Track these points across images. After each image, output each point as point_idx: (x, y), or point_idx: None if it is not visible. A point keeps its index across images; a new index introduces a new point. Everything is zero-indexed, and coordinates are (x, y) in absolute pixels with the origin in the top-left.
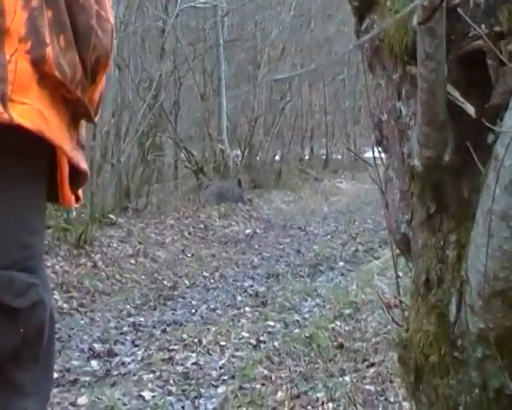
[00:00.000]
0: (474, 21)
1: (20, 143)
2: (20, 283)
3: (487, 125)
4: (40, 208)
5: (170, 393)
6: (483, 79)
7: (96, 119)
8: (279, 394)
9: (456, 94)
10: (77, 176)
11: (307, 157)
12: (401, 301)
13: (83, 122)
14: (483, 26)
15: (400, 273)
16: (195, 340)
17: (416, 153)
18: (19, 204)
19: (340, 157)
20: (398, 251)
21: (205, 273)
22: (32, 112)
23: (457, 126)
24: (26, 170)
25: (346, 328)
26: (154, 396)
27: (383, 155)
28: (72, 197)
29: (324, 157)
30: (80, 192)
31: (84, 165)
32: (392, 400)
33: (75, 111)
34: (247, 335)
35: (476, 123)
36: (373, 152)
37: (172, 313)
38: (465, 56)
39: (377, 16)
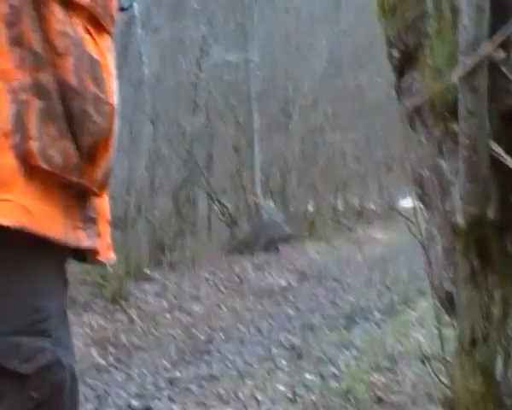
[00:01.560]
0: None
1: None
2: (27, 348)
3: None
4: (52, 271)
5: None
6: None
7: (104, 192)
8: None
9: (500, 150)
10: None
11: (341, 207)
12: (444, 359)
13: (92, 197)
14: None
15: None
16: (232, 394)
17: (459, 209)
18: (26, 271)
19: (373, 207)
20: (440, 308)
21: (240, 326)
22: (15, 209)
23: (500, 182)
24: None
25: (384, 380)
26: None
27: (424, 210)
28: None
29: (358, 207)
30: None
31: (86, 243)
32: None
33: (79, 190)
34: (283, 388)
35: None
36: (414, 208)
37: (208, 367)
38: (507, 112)
39: (417, 73)
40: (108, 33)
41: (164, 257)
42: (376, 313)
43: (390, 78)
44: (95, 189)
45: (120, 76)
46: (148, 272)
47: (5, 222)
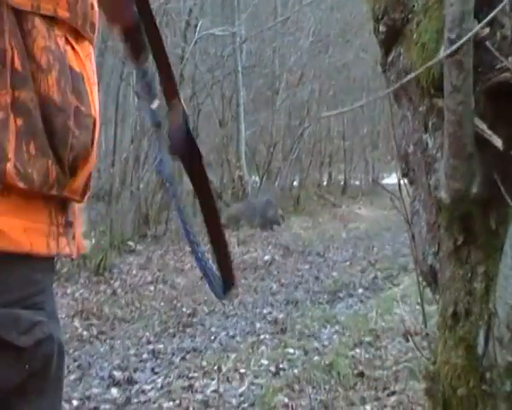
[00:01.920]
0: (502, 53)
1: None
2: (25, 321)
3: None
4: None
5: None
6: (510, 110)
7: (87, 196)
8: None
9: (484, 126)
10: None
11: (325, 183)
12: (427, 334)
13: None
14: (510, 58)
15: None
16: (215, 367)
17: (444, 185)
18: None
19: (358, 183)
20: (424, 283)
21: (224, 300)
22: None
23: (485, 158)
24: None
25: (367, 356)
26: None
27: (408, 185)
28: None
29: (342, 183)
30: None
31: (66, 251)
32: None
33: (60, 199)
34: (266, 362)
35: (503, 155)
36: (398, 183)
37: (192, 341)
38: (492, 88)
39: (403, 48)
40: (89, 40)
41: (148, 230)
42: (360, 290)
43: (376, 55)
44: (76, 198)
45: (106, 48)
46: (132, 244)
47: None
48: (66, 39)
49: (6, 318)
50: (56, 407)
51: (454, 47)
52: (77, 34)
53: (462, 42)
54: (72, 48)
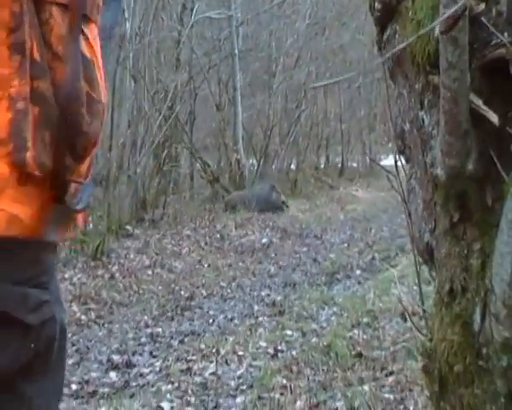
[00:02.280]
0: (497, 29)
1: None
2: (33, 299)
3: (511, 132)
4: None
5: (188, 403)
6: (506, 87)
7: (88, 178)
8: (298, 403)
9: (480, 102)
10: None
11: (323, 165)
12: (424, 311)
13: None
14: (506, 34)
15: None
16: (213, 350)
17: (439, 162)
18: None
19: (355, 165)
20: (420, 260)
21: (222, 283)
22: (5, 219)
23: (480, 135)
24: None
25: (364, 337)
26: (172, 407)
27: (405, 164)
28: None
29: (340, 165)
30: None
31: (71, 234)
32: (411, 408)
33: (65, 183)
34: (264, 344)
35: (499, 131)
36: (395, 161)
37: (190, 324)
38: (488, 65)
39: (399, 26)
40: (95, 23)
41: (146, 214)
42: (357, 271)
43: (372, 37)
44: (81, 181)
45: None
46: (129, 229)
47: None
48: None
49: (16, 295)
50: (59, 387)
51: (449, 22)
52: (85, 19)
53: (456, 17)
54: (83, 33)
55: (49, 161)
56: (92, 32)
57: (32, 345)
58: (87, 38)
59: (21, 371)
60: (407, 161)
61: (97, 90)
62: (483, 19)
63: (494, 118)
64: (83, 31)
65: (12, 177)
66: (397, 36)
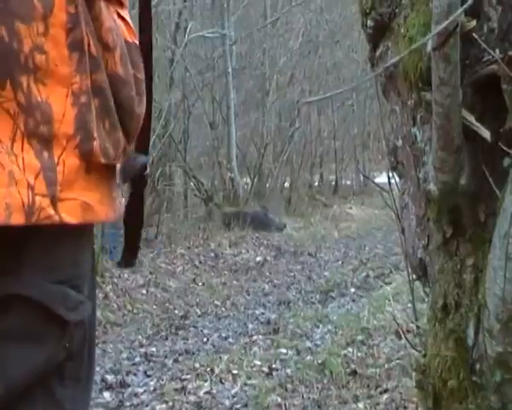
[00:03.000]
0: (489, 46)
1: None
2: (73, 298)
3: (503, 148)
4: (89, 231)
5: None
6: (498, 103)
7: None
8: None
9: (472, 118)
10: None
11: (316, 183)
12: (418, 326)
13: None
14: (497, 50)
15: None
16: (208, 369)
17: (432, 178)
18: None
19: (349, 183)
20: (414, 276)
21: (216, 302)
22: (79, 207)
23: (473, 151)
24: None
25: (359, 354)
26: None
27: (398, 180)
28: None
29: (334, 183)
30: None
31: (120, 211)
32: None
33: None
34: (259, 363)
35: (492, 147)
36: (388, 177)
37: (184, 343)
38: (480, 81)
39: (391, 43)
40: (126, 7)
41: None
42: (352, 289)
43: (365, 55)
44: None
45: None
46: None
47: (73, 221)
48: (118, 14)
49: (57, 293)
50: (89, 393)
51: (441, 39)
52: (120, 5)
53: (448, 33)
54: (123, 19)
55: (111, 147)
56: (126, 16)
57: (67, 344)
58: (127, 23)
59: (55, 373)
60: (400, 176)
61: (140, 70)
62: (475, 35)
63: (486, 134)
64: (122, 16)
65: (81, 167)
66: (389, 53)
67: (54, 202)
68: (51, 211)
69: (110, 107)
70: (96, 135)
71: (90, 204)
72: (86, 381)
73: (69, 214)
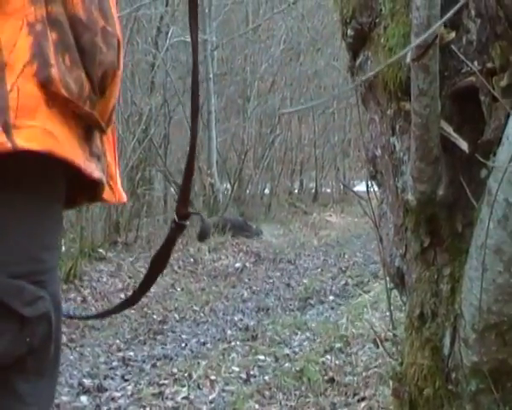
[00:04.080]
0: (467, 58)
1: (32, 164)
2: (29, 293)
3: (480, 159)
4: (55, 224)
5: None
6: (476, 114)
7: (109, 128)
8: None
9: (450, 130)
10: (92, 186)
11: (297, 190)
12: (394, 335)
13: (96, 133)
14: (475, 62)
15: (392, 307)
16: (186, 374)
17: (410, 187)
18: (32, 218)
19: (329, 190)
20: (391, 285)
21: (194, 307)
22: (40, 133)
23: (451, 161)
24: (41, 189)
25: (337, 362)
26: None
27: (377, 189)
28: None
29: (314, 190)
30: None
31: (97, 174)
32: None
33: (87, 124)
34: (237, 369)
35: (469, 158)
36: (367, 186)
37: (162, 348)
38: (458, 92)
39: (371, 52)
40: None
41: (119, 237)
42: (331, 296)
43: (347, 63)
44: (103, 124)
45: None
46: (102, 251)
47: (34, 147)
48: None
49: (11, 287)
50: (53, 390)
51: (420, 50)
52: None
53: (427, 45)
54: None
55: (73, 82)
56: None
57: (28, 339)
58: None
59: (16, 367)
60: (379, 186)
61: (112, 25)
62: (453, 47)
63: (464, 145)
64: None
65: (42, 97)
66: (369, 62)
67: (6, 128)
68: (3, 137)
69: (69, 43)
70: (53, 62)
71: (55, 135)
72: (50, 377)
73: (27, 141)
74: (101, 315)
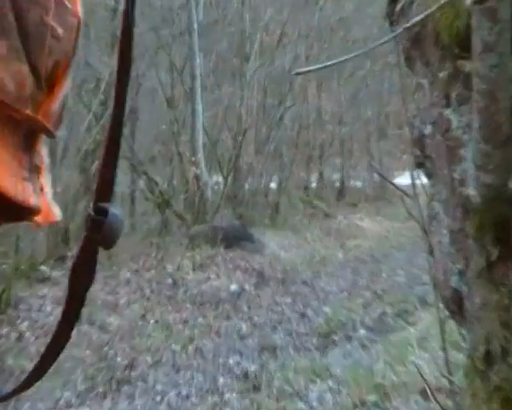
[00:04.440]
0: None
1: None
2: None
3: None
4: None
5: None
6: None
7: (58, 131)
8: None
9: None
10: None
11: (315, 185)
12: (451, 382)
13: (43, 138)
14: None
15: (446, 344)
16: None
17: (472, 179)
18: None
19: (360, 184)
20: (446, 314)
21: (174, 346)
22: None
23: None
24: None
25: None
26: None
27: (425, 181)
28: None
29: (338, 184)
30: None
31: (32, 201)
32: None
33: (29, 129)
34: None
35: None
36: (412, 178)
37: (129, 403)
38: None
39: None
40: None
41: (68, 251)
42: (362, 331)
43: (384, 7)
44: (50, 126)
45: None
46: (45, 270)
47: None
48: None
49: None
50: None
51: None
52: None
53: None
54: None
55: (9, 79)
56: None
57: None
58: None
59: None
60: (428, 177)
61: (71, 0)
62: None
63: None
64: None
65: None
66: (414, 6)
67: None
68: None
69: (8, 26)
70: None
71: None
72: None
73: None
74: None
